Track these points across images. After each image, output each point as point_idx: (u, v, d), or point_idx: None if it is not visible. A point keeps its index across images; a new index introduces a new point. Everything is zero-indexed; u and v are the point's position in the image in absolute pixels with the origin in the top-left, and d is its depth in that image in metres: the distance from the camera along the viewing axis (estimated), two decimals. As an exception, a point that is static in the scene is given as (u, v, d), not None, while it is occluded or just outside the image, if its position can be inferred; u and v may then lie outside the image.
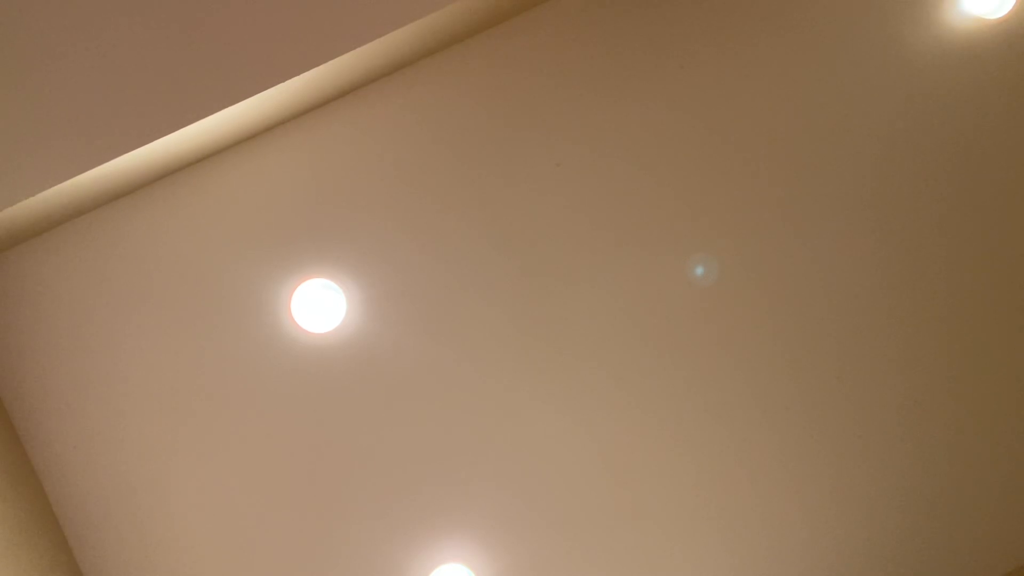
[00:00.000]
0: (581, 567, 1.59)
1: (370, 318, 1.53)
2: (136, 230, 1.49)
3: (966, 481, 1.61)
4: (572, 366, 1.56)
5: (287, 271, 1.51)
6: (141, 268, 1.49)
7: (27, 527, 1.42)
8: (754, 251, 1.56)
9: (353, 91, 1.49)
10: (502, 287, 1.54)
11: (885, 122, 1.56)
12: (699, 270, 1.55)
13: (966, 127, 1.57)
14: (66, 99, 1.26)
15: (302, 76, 1.29)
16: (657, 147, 1.54)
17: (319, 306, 1.51)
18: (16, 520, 1.39)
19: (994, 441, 1.61)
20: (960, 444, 1.61)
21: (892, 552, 1.61)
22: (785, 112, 1.55)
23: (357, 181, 1.51)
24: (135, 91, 1.27)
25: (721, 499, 1.59)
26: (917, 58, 1.55)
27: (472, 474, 1.56)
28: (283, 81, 1.28)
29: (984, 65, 1.55)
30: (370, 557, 1.56)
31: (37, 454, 1.50)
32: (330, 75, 1.35)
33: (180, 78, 1.27)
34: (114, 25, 1.26)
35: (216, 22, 1.26)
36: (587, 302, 1.55)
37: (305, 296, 1.51)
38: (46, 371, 1.50)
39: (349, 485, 1.55)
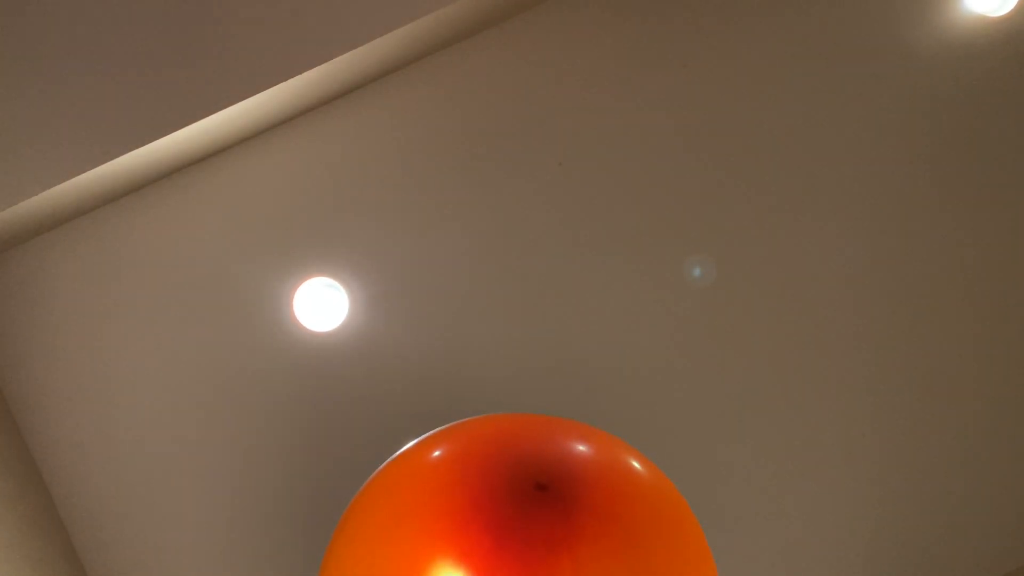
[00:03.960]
0: None
1: (372, 316, 1.53)
2: (137, 230, 1.49)
3: (966, 480, 1.61)
4: (576, 365, 1.56)
5: (289, 270, 1.51)
6: (142, 268, 1.49)
7: (30, 525, 1.42)
8: (755, 251, 1.56)
9: (353, 91, 1.48)
10: (503, 286, 1.54)
11: (885, 119, 1.56)
12: (698, 271, 1.55)
13: (967, 125, 1.57)
14: (66, 99, 1.26)
15: (302, 76, 1.28)
16: (660, 145, 1.54)
17: (321, 305, 1.51)
18: (20, 518, 1.40)
19: (995, 440, 1.61)
20: (960, 442, 1.61)
21: (891, 552, 1.62)
22: (788, 109, 1.55)
23: (358, 180, 1.51)
24: (135, 91, 1.26)
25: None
26: (918, 55, 1.54)
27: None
28: (283, 81, 1.28)
29: (985, 63, 1.55)
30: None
31: (39, 453, 1.51)
32: (330, 75, 1.34)
33: (180, 78, 1.26)
34: (113, 25, 1.26)
35: (216, 22, 1.26)
36: (589, 301, 1.55)
37: (307, 295, 1.51)
38: (47, 370, 1.50)
39: (350, 485, 1.55)
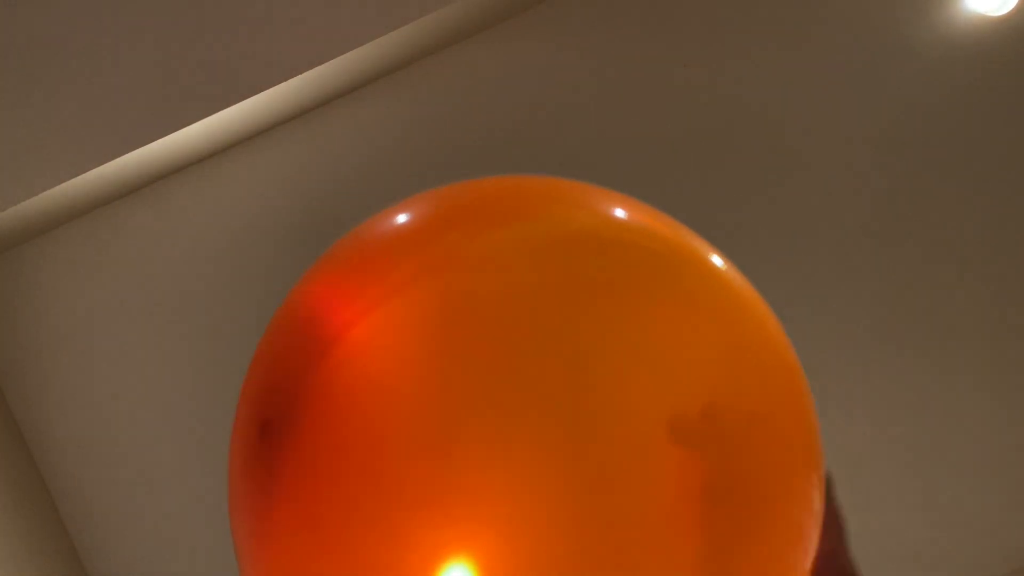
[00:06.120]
0: None
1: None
2: (135, 230, 1.49)
3: (967, 481, 1.61)
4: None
5: (289, 270, 1.51)
6: (141, 268, 1.49)
7: (30, 524, 1.42)
8: (752, 251, 1.56)
9: (353, 91, 1.48)
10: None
11: (888, 117, 1.56)
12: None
13: (968, 124, 1.57)
14: (67, 101, 1.26)
15: (302, 76, 1.28)
16: (660, 145, 1.54)
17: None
18: (19, 517, 1.40)
19: (996, 440, 1.61)
20: (961, 444, 1.61)
21: (892, 552, 1.62)
22: (789, 109, 1.54)
23: (357, 180, 1.51)
24: (135, 93, 1.26)
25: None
26: (920, 55, 1.54)
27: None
28: (283, 81, 1.28)
29: (986, 62, 1.55)
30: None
31: (39, 453, 1.51)
32: (330, 75, 1.34)
33: (180, 80, 1.26)
34: (114, 28, 1.26)
35: (217, 24, 1.26)
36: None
37: (306, 295, 1.51)
38: (47, 370, 1.50)
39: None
